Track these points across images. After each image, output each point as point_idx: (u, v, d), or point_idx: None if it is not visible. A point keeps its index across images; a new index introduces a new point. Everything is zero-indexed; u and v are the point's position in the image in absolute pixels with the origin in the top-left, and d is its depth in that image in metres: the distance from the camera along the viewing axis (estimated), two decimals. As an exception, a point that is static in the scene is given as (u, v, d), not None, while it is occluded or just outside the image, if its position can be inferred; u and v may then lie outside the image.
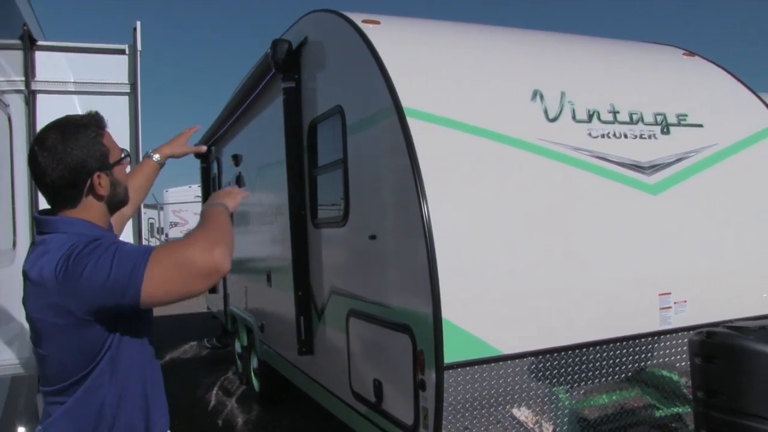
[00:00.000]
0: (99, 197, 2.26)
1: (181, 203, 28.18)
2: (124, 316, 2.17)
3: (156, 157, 3.11)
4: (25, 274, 2.15)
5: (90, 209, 2.26)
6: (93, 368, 2.16)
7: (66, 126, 2.22)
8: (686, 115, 4.94)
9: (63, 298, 2.02)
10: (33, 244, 2.24)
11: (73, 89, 5.70)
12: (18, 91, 5.20)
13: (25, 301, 2.16)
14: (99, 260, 2.01)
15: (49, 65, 5.64)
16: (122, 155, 2.36)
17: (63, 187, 2.20)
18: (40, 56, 5.62)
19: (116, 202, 2.36)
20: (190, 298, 2.19)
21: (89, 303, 2.02)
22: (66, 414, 2.19)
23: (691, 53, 5.91)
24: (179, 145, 3.18)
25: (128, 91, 5.73)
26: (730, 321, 4.06)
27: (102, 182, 2.24)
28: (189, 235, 2.18)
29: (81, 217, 2.24)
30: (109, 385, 2.20)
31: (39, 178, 2.19)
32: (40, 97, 5.58)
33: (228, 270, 2.09)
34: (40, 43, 5.66)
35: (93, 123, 2.27)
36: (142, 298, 2.01)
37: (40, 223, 2.24)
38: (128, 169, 2.51)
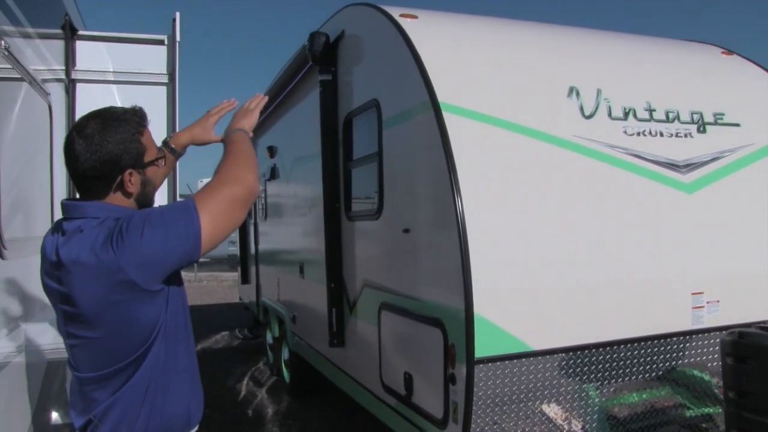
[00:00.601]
0: (127, 194, 2.27)
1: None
2: (172, 285, 2.22)
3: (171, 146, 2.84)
4: (59, 260, 2.10)
5: (117, 201, 2.26)
6: (146, 349, 2.16)
7: (107, 117, 2.23)
8: (723, 114, 4.90)
9: (123, 272, 2.00)
10: (58, 231, 2.22)
11: (112, 79, 5.79)
12: (59, 80, 5.27)
13: (66, 288, 2.10)
14: (152, 224, 2.05)
15: (89, 55, 5.73)
16: (159, 155, 2.40)
17: (93, 178, 2.20)
18: (80, 45, 5.71)
19: (146, 201, 2.38)
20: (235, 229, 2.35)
21: (154, 268, 2.06)
22: (121, 399, 2.18)
23: (730, 52, 5.85)
24: (204, 131, 2.86)
25: (166, 81, 5.80)
26: (763, 322, 4.04)
27: (133, 180, 2.25)
28: (219, 171, 2.28)
29: (111, 202, 2.26)
30: (162, 369, 2.22)
31: (71, 163, 2.19)
32: (79, 86, 5.67)
33: (259, 190, 2.31)
34: (80, 32, 5.75)
35: (135, 119, 2.29)
36: (204, 246, 2.11)
37: (69, 208, 2.23)
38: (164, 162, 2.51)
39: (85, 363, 2.21)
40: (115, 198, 2.26)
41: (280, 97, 7.81)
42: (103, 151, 2.17)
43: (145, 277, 2.04)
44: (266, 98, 2.91)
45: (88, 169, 2.17)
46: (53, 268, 2.14)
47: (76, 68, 5.64)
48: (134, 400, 2.19)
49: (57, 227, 2.25)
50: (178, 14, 5.67)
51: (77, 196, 2.31)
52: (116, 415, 2.18)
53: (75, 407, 2.29)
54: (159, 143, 2.58)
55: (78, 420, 2.26)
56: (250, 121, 2.68)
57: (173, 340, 2.27)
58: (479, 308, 3.59)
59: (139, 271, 2.02)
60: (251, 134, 2.62)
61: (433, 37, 4.48)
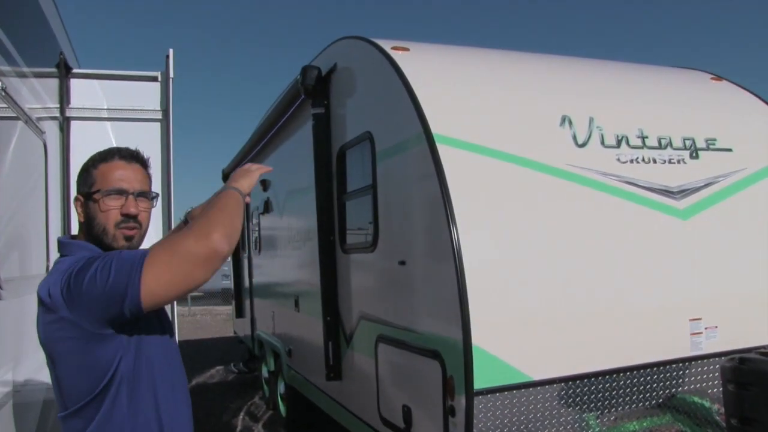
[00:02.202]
0: (80, 222, 2.33)
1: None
2: (136, 328, 2.17)
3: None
4: (38, 296, 2.15)
5: (83, 235, 2.33)
6: (105, 387, 2.12)
7: (98, 152, 2.37)
8: (715, 140, 4.93)
9: (71, 313, 2.02)
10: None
11: (106, 116, 5.79)
12: (53, 118, 5.28)
13: (37, 324, 2.16)
14: (98, 269, 2.02)
15: (84, 92, 5.74)
16: (107, 190, 2.28)
17: None
18: (74, 83, 5.73)
19: (93, 236, 2.29)
20: (194, 290, 2.18)
21: (94, 313, 2.02)
22: None
23: (719, 77, 5.90)
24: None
25: (160, 117, 5.81)
26: (763, 347, 4.03)
27: (80, 208, 2.31)
28: (191, 224, 2.20)
29: (83, 239, 2.30)
30: (127, 408, 2.17)
31: None
32: (74, 123, 5.67)
33: (227, 252, 2.08)
34: (75, 71, 5.76)
35: (108, 153, 2.35)
36: (143, 298, 2.00)
37: (60, 245, 2.31)
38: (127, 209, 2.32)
39: (60, 401, 2.21)
40: (80, 228, 2.34)
41: (273, 130, 7.83)
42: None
43: (87, 318, 2.03)
44: (270, 169, 2.76)
45: None
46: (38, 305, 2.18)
47: (70, 106, 5.64)
48: None
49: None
50: (171, 51, 5.69)
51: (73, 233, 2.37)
52: None
53: None
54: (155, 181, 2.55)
55: None
56: (249, 181, 2.47)
57: (136, 390, 2.20)
58: (477, 339, 3.57)
59: (81, 311, 2.02)
60: (247, 198, 2.44)
61: (425, 69, 4.51)
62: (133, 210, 2.29)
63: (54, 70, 5.29)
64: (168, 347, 2.39)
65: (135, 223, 2.32)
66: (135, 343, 2.18)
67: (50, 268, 2.28)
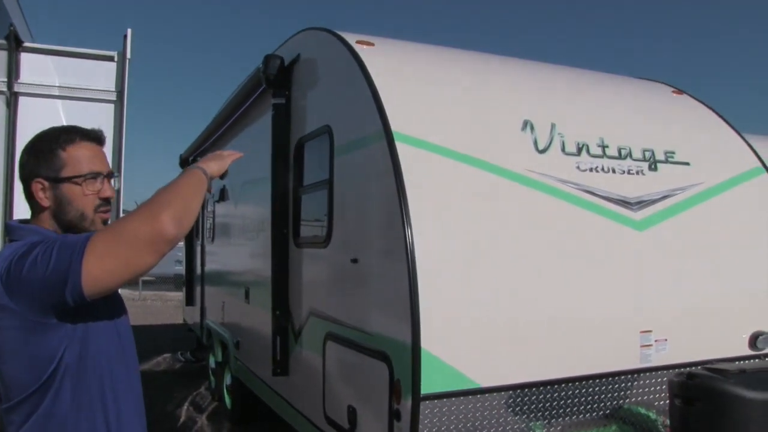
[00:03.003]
0: (40, 207, 2.18)
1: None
2: (82, 316, 2.04)
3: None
4: None
5: (39, 219, 2.20)
6: (47, 380, 2.01)
7: (48, 130, 2.22)
8: (674, 153, 4.94)
9: (11, 301, 1.91)
10: None
11: (57, 93, 5.65)
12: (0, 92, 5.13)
13: None
14: (39, 255, 1.90)
15: (35, 68, 5.58)
16: (84, 174, 2.20)
17: (24, 191, 2.20)
18: (25, 58, 5.57)
19: (66, 222, 2.20)
20: (140, 275, 2.01)
21: (35, 301, 1.91)
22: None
23: (680, 91, 5.93)
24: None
25: (114, 99, 5.68)
26: (711, 362, 4.04)
27: (45, 192, 2.17)
28: (142, 203, 2.03)
29: (38, 224, 2.18)
30: (70, 402, 2.06)
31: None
32: (22, 99, 5.51)
33: (176, 235, 1.94)
34: (26, 44, 5.60)
35: (74, 133, 2.22)
36: (84, 284, 1.86)
37: (9, 229, 2.20)
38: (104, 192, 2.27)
39: (3, 392, 2.09)
40: (37, 211, 2.19)
41: (233, 117, 7.70)
42: (25, 159, 2.17)
43: (28, 307, 1.92)
44: (242, 155, 2.61)
45: (21, 181, 2.20)
46: None
47: (19, 81, 5.48)
48: None
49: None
50: (129, 30, 5.57)
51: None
52: None
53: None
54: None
55: None
56: (218, 165, 2.33)
57: (81, 382, 2.08)
58: (426, 343, 3.52)
59: (21, 299, 1.91)
60: (209, 180, 2.26)
61: (389, 66, 4.44)
62: (109, 193, 2.25)
63: (2, 42, 5.13)
64: (121, 334, 2.27)
65: (109, 205, 2.27)
66: (81, 332, 2.06)
67: None
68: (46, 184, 2.16)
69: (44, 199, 2.16)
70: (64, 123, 5.63)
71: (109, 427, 2.17)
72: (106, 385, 2.16)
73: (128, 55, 5.60)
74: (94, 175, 2.21)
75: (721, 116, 5.68)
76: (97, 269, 1.87)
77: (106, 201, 2.24)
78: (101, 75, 5.70)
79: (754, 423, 3.25)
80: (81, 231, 2.17)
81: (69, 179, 2.17)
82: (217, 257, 9.38)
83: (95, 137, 2.28)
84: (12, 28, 5.29)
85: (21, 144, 5.32)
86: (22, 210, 5.26)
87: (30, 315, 1.93)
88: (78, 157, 2.20)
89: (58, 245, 1.91)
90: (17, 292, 1.90)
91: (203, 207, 10.28)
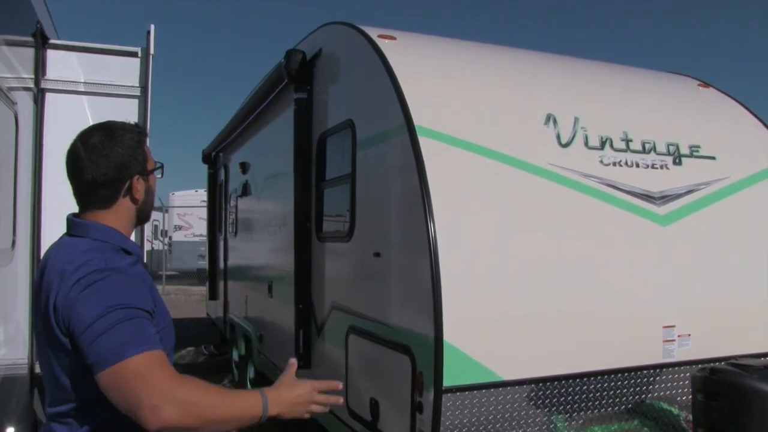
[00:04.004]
0: (134, 200, 2.27)
1: (186, 207, 28.16)
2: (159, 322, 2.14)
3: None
4: (47, 270, 2.09)
5: (122, 212, 2.25)
6: (93, 400, 1.99)
7: (111, 127, 2.25)
8: (699, 147, 4.90)
9: (59, 314, 1.96)
10: (57, 244, 2.22)
11: (83, 89, 5.70)
12: (27, 89, 5.18)
13: (43, 297, 2.07)
14: (96, 318, 1.90)
15: (60, 64, 5.64)
16: (158, 166, 2.38)
17: (102, 185, 2.18)
18: (51, 55, 5.62)
19: (145, 211, 2.35)
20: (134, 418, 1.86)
21: (71, 334, 1.94)
22: None
23: (706, 84, 5.88)
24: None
25: (138, 94, 5.72)
26: (734, 357, 4.02)
27: (139, 186, 2.26)
28: (182, 382, 1.93)
29: (111, 224, 2.20)
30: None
31: (77, 174, 2.17)
32: (49, 95, 5.57)
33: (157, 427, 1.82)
34: (52, 41, 5.65)
35: (135, 129, 2.32)
36: (102, 376, 1.86)
37: (72, 225, 2.22)
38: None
39: (49, 394, 2.13)
40: (123, 205, 2.24)
41: (255, 113, 7.74)
42: (114, 157, 2.18)
43: (68, 336, 1.96)
44: (340, 400, 2.30)
45: (99, 176, 2.16)
46: (41, 278, 2.12)
47: (46, 77, 5.53)
48: None
49: (59, 240, 2.25)
50: (152, 27, 5.60)
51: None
52: None
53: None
54: None
55: None
56: (291, 410, 2.13)
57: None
58: (449, 336, 3.53)
59: (66, 326, 1.95)
60: (263, 418, 2.04)
61: (411, 60, 4.44)
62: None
63: (30, 39, 5.18)
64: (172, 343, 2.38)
65: None
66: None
67: (59, 243, 2.22)
68: (141, 178, 2.28)
69: (139, 192, 2.27)
70: (90, 119, 5.69)
71: None
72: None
73: (152, 51, 5.64)
74: (160, 163, 2.40)
75: (749, 109, 5.63)
76: (108, 383, 1.86)
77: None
78: (125, 71, 5.74)
79: (777, 418, 3.23)
80: (148, 217, 2.39)
81: (153, 170, 2.35)
82: (240, 252, 9.43)
83: (146, 132, 2.45)
84: (38, 25, 5.35)
85: (49, 140, 5.41)
86: (50, 204, 5.33)
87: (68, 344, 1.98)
88: (149, 151, 2.35)
89: (119, 324, 1.89)
90: (67, 320, 1.94)
91: (226, 202, 10.35)
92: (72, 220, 2.23)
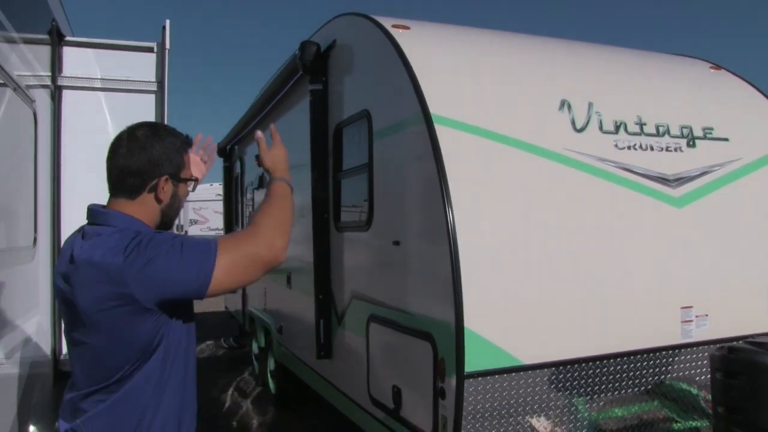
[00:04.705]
0: (158, 199, 2.36)
1: (201, 201, 28.20)
2: (179, 311, 2.26)
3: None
4: (71, 259, 2.16)
5: (146, 207, 2.35)
6: (137, 367, 2.17)
7: (159, 127, 2.44)
8: (712, 129, 4.92)
9: (127, 285, 2.06)
10: (79, 233, 2.29)
11: (99, 86, 5.75)
12: (44, 86, 5.23)
13: (71, 287, 2.14)
14: (169, 253, 2.10)
15: (76, 61, 5.69)
16: (192, 177, 2.49)
17: (130, 174, 2.30)
18: (67, 52, 5.67)
19: (170, 215, 2.45)
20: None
21: (156, 293, 2.10)
22: (108, 412, 2.18)
23: (718, 66, 5.88)
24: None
25: (155, 89, 5.76)
26: (752, 336, 4.04)
27: (166, 188, 2.36)
28: (256, 223, 2.31)
29: (134, 215, 2.31)
30: (156, 386, 2.23)
31: (114, 159, 2.32)
32: (66, 92, 5.63)
33: (284, 259, 2.29)
34: (68, 38, 5.70)
35: (182, 137, 2.46)
36: (210, 288, 2.13)
37: (94, 214, 2.31)
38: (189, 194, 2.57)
39: (83, 375, 2.23)
40: (146, 201, 2.34)
41: (270, 105, 7.77)
42: (151, 151, 2.32)
43: (145, 295, 2.08)
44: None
45: (132, 164, 2.29)
46: (65, 268, 2.19)
47: (62, 74, 5.59)
48: (128, 413, 2.19)
49: (80, 230, 2.32)
50: (168, 21, 5.65)
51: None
52: (102, 426, 2.19)
53: (64, 416, 2.31)
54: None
55: (63, 425, 2.29)
56: (285, 161, 2.69)
57: (166, 372, 2.26)
58: (469, 322, 3.57)
59: (141, 287, 2.07)
60: (291, 183, 2.61)
61: (425, 49, 4.47)
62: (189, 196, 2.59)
63: (46, 37, 5.23)
64: (191, 329, 2.46)
65: None
66: (173, 324, 2.26)
67: (80, 234, 2.29)
68: (170, 181, 2.38)
69: (164, 193, 2.36)
70: (107, 115, 5.73)
71: (181, 412, 2.36)
72: (186, 375, 2.38)
73: (167, 46, 5.68)
74: (195, 178, 2.52)
75: (760, 91, 5.63)
76: (224, 277, 2.14)
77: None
78: (141, 66, 5.78)
79: (796, 395, 3.26)
80: (169, 225, 2.48)
81: (185, 180, 2.46)
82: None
83: (192, 144, 2.58)
84: (54, 23, 5.39)
85: (66, 137, 5.48)
86: (68, 199, 5.40)
87: (144, 302, 2.10)
88: (188, 161, 2.48)
89: (186, 247, 2.14)
90: (139, 280, 2.06)
91: (242, 195, 10.40)
92: (93, 210, 2.32)
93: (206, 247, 2.15)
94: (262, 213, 2.37)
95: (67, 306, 2.19)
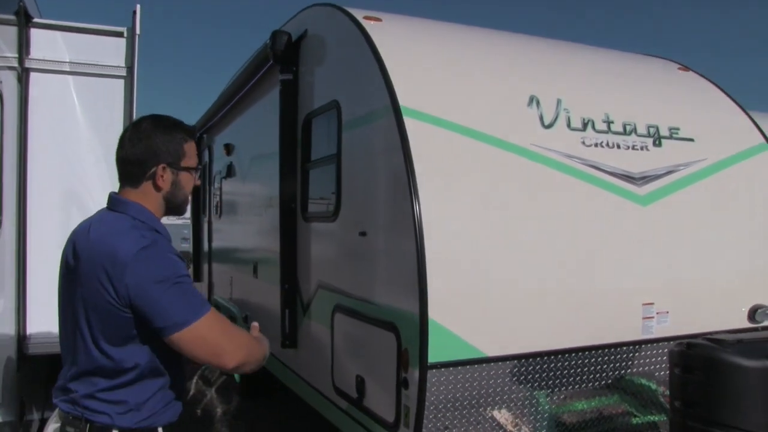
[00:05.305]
0: (157, 188, 2.49)
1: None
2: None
3: None
4: (87, 238, 2.35)
5: (149, 195, 2.49)
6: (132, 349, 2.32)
7: (162, 119, 2.56)
8: (678, 129, 4.99)
9: (120, 280, 2.21)
10: (97, 215, 2.49)
11: (68, 69, 5.66)
12: (11, 68, 5.14)
13: (78, 262, 2.34)
14: (168, 283, 2.24)
15: (45, 43, 5.59)
16: (196, 166, 2.61)
17: (130, 163, 2.47)
18: (35, 34, 5.57)
19: (174, 204, 2.58)
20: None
21: (134, 307, 2.24)
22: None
23: (686, 67, 5.96)
24: None
25: (124, 74, 5.69)
26: (711, 333, 4.12)
27: (165, 176, 2.48)
28: (242, 333, 2.47)
29: (141, 202, 2.46)
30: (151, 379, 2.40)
31: (119, 149, 2.50)
32: (33, 75, 5.53)
33: (229, 372, 2.49)
34: (36, 20, 5.61)
35: (184, 128, 2.58)
36: (173, 338, 2.25)
37: (115, 201, 2.49)
38: (197, 181, 2.69)
39: (76, 360, 2.38)
40: (147, 189, 2.49)
41: (240, 93, 7.73)
42: (148, 141, 2.46)
43: (125, 300, 2.23)
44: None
45: (131, 154, 2.46)
46: (78, 245, 2.38)
47: (30, 57, 5.50)
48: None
49: (98, 212, 2.52)
50: (138, 6, 5.58)
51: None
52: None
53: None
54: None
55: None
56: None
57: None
58: (433, 313, 3.60)
59: (128, 292, 2.22)
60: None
61: (397, 41, 4.48)
62: (198, 182, 2.69)
63: (12, 17, 5.14)
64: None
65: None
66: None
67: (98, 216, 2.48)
68: (168, 169, 2.50)
69: (163, 181, 2.49)
70: (75, 99, 5.66)
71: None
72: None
73: (138, 31, 5.61)
74: (198, 167, 2.65)
75: (726, 93, 5.71)
76: (187, 343, 2.27)
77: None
78: (111, 51, 5.70)
79: (749, 390, 3.32)
80: (179, 211, 2.64)
81: (187, 169, 2.56)
82: (225, 233, 9.44)
83: (195, 135, 2.71)
84: (21, 3, 5.31)
85: (34, 119, 5.40)
86: (35, 183, 5.32)
87: (122, 302, 2.25)
88: (192, 151, 2.59)
89: (186, 290, 2.28)
90: (130, 287, 2.22)
91: (209, 183, 10.35)
92: (114, 197, 2.50)
93: (199, 304, 2.29)
94: (248, 335, 2.54)
95: (75, 282, 2.35)
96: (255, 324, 2.76)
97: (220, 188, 9.50)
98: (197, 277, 11.62)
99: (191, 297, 2.29)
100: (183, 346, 2.26)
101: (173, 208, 2.59)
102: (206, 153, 10.82)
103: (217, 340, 2.31)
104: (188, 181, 2.59)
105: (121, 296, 2.22)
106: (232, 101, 8.18)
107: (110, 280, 2.22)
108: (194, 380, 9.14)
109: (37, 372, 5.13)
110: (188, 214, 17.52)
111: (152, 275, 2.22)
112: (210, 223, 10.47)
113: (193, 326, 2.24)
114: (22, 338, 5.10)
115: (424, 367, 3.59)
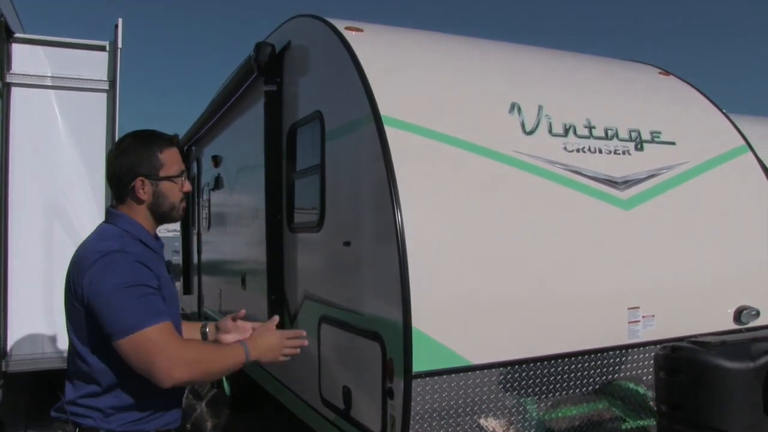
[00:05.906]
0: (139, 200, 2.56)
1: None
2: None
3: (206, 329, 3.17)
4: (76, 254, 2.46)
5: (133, 208, 2.58)
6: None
7: (143, 134, 2.62)
8: (660, 133, 5.01)
9: (79, 284, 2.33)
10: (96, 229, 2.59)
11: (50, 84, 5.66)
12: None
13: (71, 278, 2.43)
14: (118, 295, 2.28)
15: (26, 58, 5.60)
16: (177, 174, 2.62)
17: (115, 179, 2.56)
18: (17, 48, 5.58)
19: (160, 213, 2.62)
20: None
21: (87, 309, 2.33)
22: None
23: (667, 72, 5.99)
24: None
25: (107, 88, 5.70)
26: (696, 336, 4.13)
27: (145, 188, 2.55)
28: (191, 345, 2.49)
29: (130, 215, 2.57)
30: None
31: (105, 168, 2.67)
32: (15, 90, 5.53)
33: (171, 386, 2.34)
34: (17, 35, 5.61)
35: (162, 138, 2.62)
36: (116, 347, 2.27)
37: (109, 214, 2.62)
38: (186, 187, 2.70)
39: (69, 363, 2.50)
40: (130, 203, 2.58)
41: (226, 106, 7.73)
42: (126, 158, 2.54)
43: (82, 300, 2.33)
44: (301, 346, 2.92)
45: (111, 172, 2.58)
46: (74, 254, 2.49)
47: (11, 71, 5.50)
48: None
49: (98, 225, 2.63)
50: (120, 20, 5.59)
51: None
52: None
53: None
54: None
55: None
56: (268, 356, 2.73)
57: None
58: (417, 322, 3.59)
59: (82, 291, 2.33)
60: (246, 363, 2.62)
61: (378, 51, 4.49)
62: (188, 188, 2.70)
63: None
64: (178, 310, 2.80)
65: (186, 197, 2.73)
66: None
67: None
68: (147, 181, 2.55)
69: (144, 193, 2.55)
70: (58, 113, 5.66)
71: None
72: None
73: (119, 45, 5.62)
74: (182, 174, 2.66)
75: (707, 97, 5.74)
76: (128, 351, 2.28)
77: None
78: (93, 65, 5.71)
79: (733, 391, 3.34)
80: (169, 219, 2.67)
81: (167, 178, 2.59)
82: (214, 245, 9.42)
83: (176, 142, 2.70)
84: (2, 18, 5.30)
85: (15, 135, 5.39)
86: (17, 197, 5.30)
87: (80, 302, 2.38)
88: (172, 159, 2.62)
89: (134, 298, 2.30)
90: (84, 286, 2.33)
91: (198, 196, 10.33)
92: (108, 210, 2.65)
93: (148, 315, 2.29)
94: (203, 349, 2.57)
95: (69, 287, 2.45)
96: (276, 317, 2.94)
97: (209, 200, 9.49)
98: (187, 290, 11.59)
99: (142, 306, 2.30)
100: (123, 355, 2.28)
101: (161, 216, 2.63)
102: (195, 165, 10.80)
103: (151, 355, 2.27)
104: (171, 189, 2.61)
105: (79, 297, 2.31)
106: (219, 113, 8.17)
107: (74, 282, 2.34)
108: (184, 394, 9.06)
109: (18, 390, 5.08)
110: (177, 225, 17.56)
111: (107, 279, 2.28)
112: (199, 235, 10.45)
113: (134, 336, 2.25)
114: (2, 355, 5.07)
115: (409, 376, 3.58)
